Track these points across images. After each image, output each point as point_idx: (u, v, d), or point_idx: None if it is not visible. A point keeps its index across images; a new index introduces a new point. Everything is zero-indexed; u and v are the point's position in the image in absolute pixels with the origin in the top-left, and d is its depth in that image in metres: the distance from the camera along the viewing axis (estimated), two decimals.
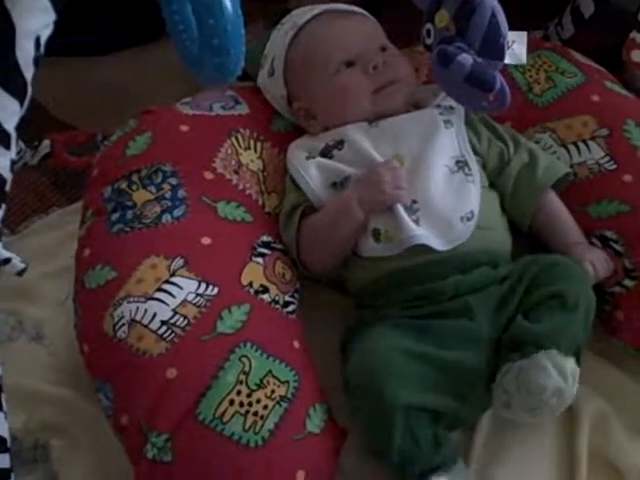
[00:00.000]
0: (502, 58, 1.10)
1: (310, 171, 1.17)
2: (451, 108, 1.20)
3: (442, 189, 1.13)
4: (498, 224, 1.16)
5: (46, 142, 1.41)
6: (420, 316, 1.08)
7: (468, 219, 1.11)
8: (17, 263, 0.86)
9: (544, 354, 0.99)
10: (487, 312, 1.08)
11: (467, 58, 1.08)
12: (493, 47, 1.10)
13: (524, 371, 0.99)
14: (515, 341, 1.03)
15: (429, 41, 1.17)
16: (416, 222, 1.10)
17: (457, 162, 1.15)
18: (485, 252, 1.12)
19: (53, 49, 0.87)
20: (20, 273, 0.86)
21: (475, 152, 1.19)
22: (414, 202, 1.11)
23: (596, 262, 1.12)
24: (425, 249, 1.09)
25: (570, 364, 0.99)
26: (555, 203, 1.19)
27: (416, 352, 1.03)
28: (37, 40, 0.80)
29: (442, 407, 1.02)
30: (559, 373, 0.98)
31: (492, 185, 1.19)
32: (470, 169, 1.15)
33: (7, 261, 0.85)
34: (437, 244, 1.09)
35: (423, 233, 1.09)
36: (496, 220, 1.17)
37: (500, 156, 1.20)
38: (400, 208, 1.10)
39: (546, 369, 0.98)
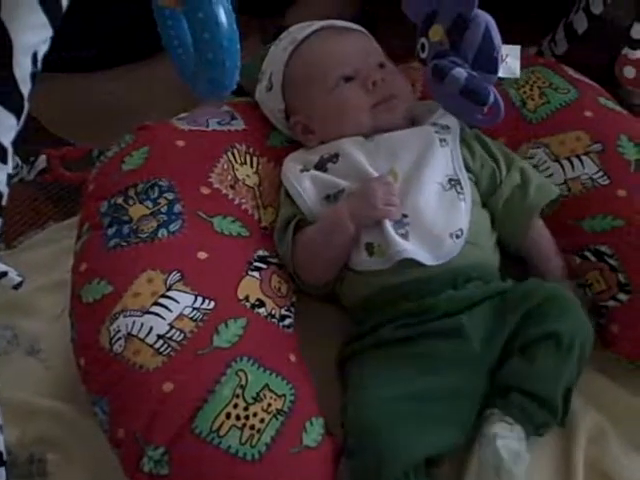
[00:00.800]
0: (496, 72, 1.11)
1: (304, 184, 1.18)
2: (447, 127, 1.21)
3: (433, 205, 1.13)
4: (487, 241, 1.17)
5: (42, 157, 1.41)
6: (412, 337, 1.08)
7: (457, 236, 1.12)
8: (14, 277, 0.86)
9: (491, 455, 0.98)
10: (481, 331, 1.08)
11: (461, 72, 1.09)
12: (487, 61, 1.10)
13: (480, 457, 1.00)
14: (504, 383, 1.04)
15: (423, 55, 1.18)
16: (405, 236, 1.11)
17: (450, 180, 1.16)
18: (475, 268, 1.12)
19: (49, 65, 0.88)
20: (17, 287, 0.86)
21: (468, 169, 1.19)
22: (404, 216, 1.12)
23: None
24: (416, 264, 1.10)
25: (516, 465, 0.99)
26: (540, 229, 1.20)
27: (412, 391, 1.03)
28: (34, 56, 0.80)
29: (442, 446, 1.02)
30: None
31: (484, 204, 1.20)
32: (462, 188, 1.16)
33: (4, 274, 0.85)
34: (425, 259, 1.10)
35: (411, 248, 1.10)
36: (486, 237, 1.17)
37: (492, 177, 1.20)
38: (388, 223, 1.11)
39: (489, 471, 0.99)
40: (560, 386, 1.03)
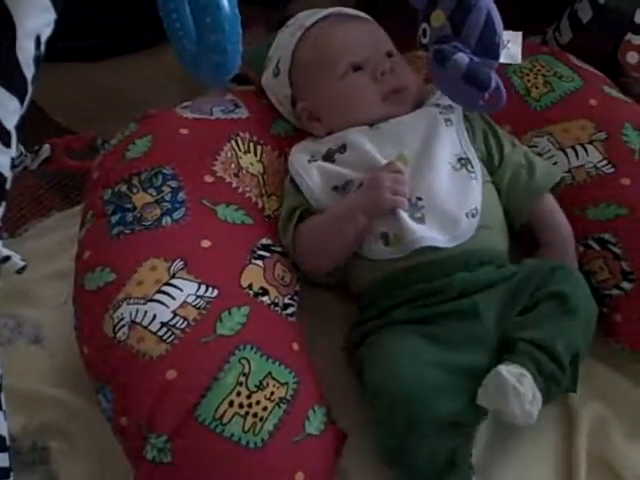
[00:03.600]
0: (497, 57, 1.11)
1: (311, 174, 1.18)
2: (450, 107, 1.21)
3: (447, 186, 1.13)
4: (498, 222, 1.17)
5: (46, 146, 1.40)
6: (426, 317, 1.08)
7: (473, 215, 1.12)
8: (17, 261, 0.85)
9: (504, 374, 0.98)
10: (494, 312, 1.08)
11: (463, 57, 1.08)
12: (488, 46, 1.10)
13: (488, 392, 0.99)
14: (510, 336, 1.03)
15: (425, 41, 1.17)
16: (421, 220, 1.10)
17: (459, 159, 1.16)
18: (487, 251, 1.12)
19: (54, 54, 0.87)
20: (20, 271, 0.86)
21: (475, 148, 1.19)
22: (419, 199, 1.12)
23: None
24: (431, 247, 1.09)
25: (526, 385, 0.98)
26: (551, 209, 1.20)
27: (429, 360, 1.03)
28: (38, 39, 0.80)
29: (461, 416, 1.01)
30: (517, 397, 0.97)
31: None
32: (472, 166, 1.16)
33: (6, 259, 0.85)
34: (443, 242, 1.09)
35: (429, 234, 1.09)
36: (497, 218, 1.17)
37: (493, 151, 1.21)
38: (402, 212, 1.10)
39: (506, 394, 0.97)
40: (563, 339, 1.02)
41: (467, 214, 1.11)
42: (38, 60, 0.81)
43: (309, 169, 1.18)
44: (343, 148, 1.18)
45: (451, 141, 1.17)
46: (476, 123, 1.22)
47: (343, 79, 1.21)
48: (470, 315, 1.07)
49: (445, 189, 1.13)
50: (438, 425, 0.98)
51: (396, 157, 1.15)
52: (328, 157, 1.19)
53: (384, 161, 1.15)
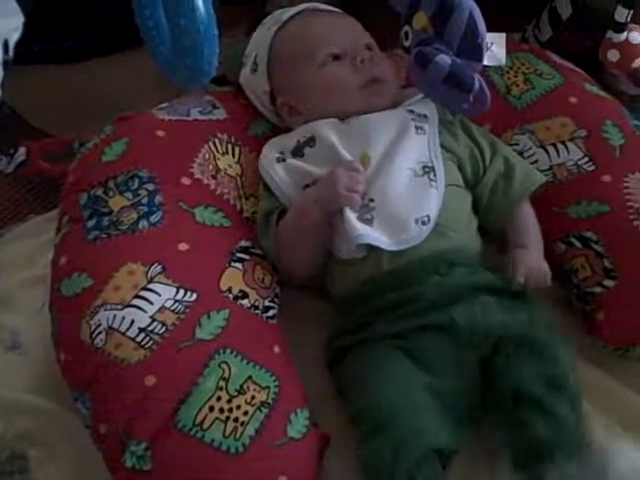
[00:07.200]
0: (481, 59, 1.10)
1: (280, 174, 1.17)
2: (425, 116, 1.19)
3: (401, 190, 1.12)
4: (466, 227, 1.16)
5: (22, 149, 1.39)
6: (406, 332, 1.07)
7: (423, 223, 1.10)
8: None
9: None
10: (472, 328, 1.06)
11: (445, 59, 1.08)
12: (471, 48, 1.10)
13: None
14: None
15: (407, 43, 1.17)
16: (369, 221, 1.09)
17: (424, 167, 1.14)
18: (456, 251, 1.12)
19: (30, 56, 0.86)
20: None
21: (452, 153, 1.18)
22: (371, 200, 1.11)
23: (531, 272, 1.11)
24: (395, 254, 1.08)
25: None
26: (526, 216, 1.20)
27: (415, 384, 1.02)
28: (5, 43, 0.79)
29: (450, 439, 0.99)
30: None
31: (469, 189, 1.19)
32: (435, 175, 1.14)
33: None
34: (386, 244, 1.08)
35: (370, 233, 1.08)
36: (464, 223, 1.16)
37: (475, 164, 1.20)
38: (348, 209, 1.09)
39: None
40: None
41: (417, 220, 1.09)
42: (6, 64, 0.80)
43: (278, 169, 1.17)
44: (312, 141, 1.17)
45: (419, 148, 1.16)
46: (458, 133, 1.21)
47: (322, 68, 1.20)
48: (447, 330, 1.06)
49: (399, 193, 1.11)
50: (423, 454, 0.96)
51: (360, 156, 1.14)
52: (297, 152, 1.18)
53: (349, 157, 1.14)
